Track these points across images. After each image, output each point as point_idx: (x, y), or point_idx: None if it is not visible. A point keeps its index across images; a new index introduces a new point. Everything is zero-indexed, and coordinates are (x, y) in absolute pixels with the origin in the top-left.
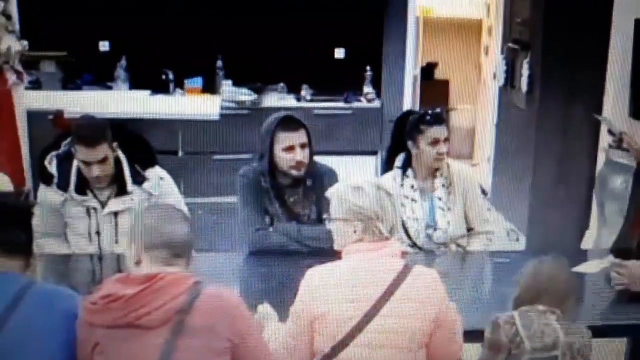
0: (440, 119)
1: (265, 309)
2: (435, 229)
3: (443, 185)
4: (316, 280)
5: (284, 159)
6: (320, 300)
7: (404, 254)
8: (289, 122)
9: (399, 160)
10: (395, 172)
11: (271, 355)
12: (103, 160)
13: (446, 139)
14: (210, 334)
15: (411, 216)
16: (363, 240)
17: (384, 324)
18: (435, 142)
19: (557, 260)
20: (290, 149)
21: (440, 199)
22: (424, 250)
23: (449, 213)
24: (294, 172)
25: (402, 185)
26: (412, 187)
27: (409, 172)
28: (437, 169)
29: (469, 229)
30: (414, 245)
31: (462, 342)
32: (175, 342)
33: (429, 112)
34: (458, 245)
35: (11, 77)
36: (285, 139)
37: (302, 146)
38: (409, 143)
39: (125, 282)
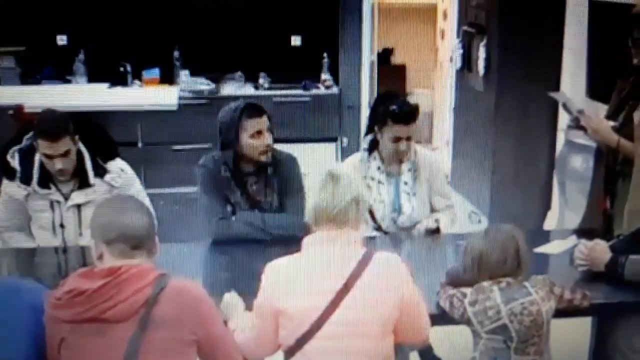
0: (407, 118)
1: (232, 297)
2: (399, 213)
3: (409, 170)
4: (276, 274)
5: (252, 146)
6: (281, 295)
7: (366, 240)
8: (253, 108)
9: (365, 141)
10: (362, 154)
11: (236, 346)
12: (65, 154)
13: (409, 138)
14: (176, 326)
15: (377, 199)
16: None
17: (347, 314)
18: (396, 139)
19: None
20: (258, 134)
21: (406, 183)
22: (388, 233)
23: (414, 198)
24: (262, 158)
25: (369, 167)
26: (379, 168)
27: (375, 154)
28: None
29: (432, 211)
30: (379, 228)
31: (429, 322)
32: (142, 334)
33: (400, 108)
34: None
35: None
36: (252, 125)
37: (269, 130)
38: (376, 128)
39: (88, 277)
